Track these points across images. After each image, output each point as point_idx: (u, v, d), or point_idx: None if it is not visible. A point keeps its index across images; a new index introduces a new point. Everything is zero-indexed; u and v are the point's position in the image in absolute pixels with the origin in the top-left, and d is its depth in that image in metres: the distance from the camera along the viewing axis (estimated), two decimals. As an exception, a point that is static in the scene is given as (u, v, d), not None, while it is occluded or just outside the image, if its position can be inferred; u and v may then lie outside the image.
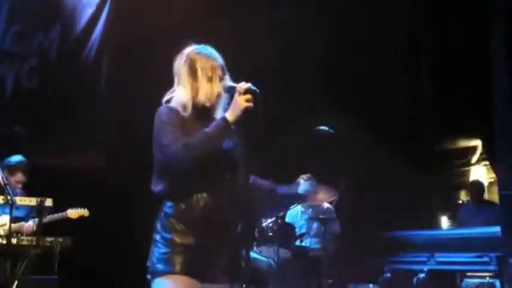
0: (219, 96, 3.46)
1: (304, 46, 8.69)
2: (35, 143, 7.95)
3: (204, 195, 3.30)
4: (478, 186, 8.78)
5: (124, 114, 8.10)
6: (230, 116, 3.32)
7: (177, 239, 3.26)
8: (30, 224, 6.66)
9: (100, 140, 8.50)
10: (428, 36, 8.92)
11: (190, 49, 3.53)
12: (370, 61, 8.75)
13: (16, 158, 6.87)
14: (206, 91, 3.44)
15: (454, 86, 9.01)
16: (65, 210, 6.98)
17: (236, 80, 3.48)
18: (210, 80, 3.45)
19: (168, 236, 3.28)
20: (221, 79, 3.48)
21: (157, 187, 3.39)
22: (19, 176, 6.82)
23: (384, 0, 8.50)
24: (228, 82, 3.47)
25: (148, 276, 3.34)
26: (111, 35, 8.68)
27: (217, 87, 3.45)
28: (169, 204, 3.34)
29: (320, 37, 8.70)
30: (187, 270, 3.24)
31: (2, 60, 8.09)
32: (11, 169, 6.76)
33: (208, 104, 3.46)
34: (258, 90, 3.34)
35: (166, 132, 3.31)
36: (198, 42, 3.57)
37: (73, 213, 6.99)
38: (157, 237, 3.32)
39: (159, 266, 3.27)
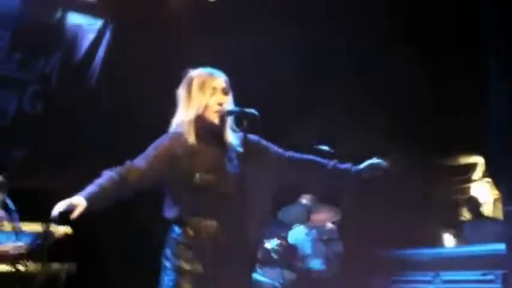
0: (221, 107, 3.42)
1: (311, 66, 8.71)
2: (36, 168, 7.97)
3: (214, 222, 3.29)
4: (474, 202, 8.79)
5: (126, 140, 8.10)
6: None
7: (186, 266, 3.26)
8: (17, 246, 6.60)
9: (103, 166, 8.50)
10: (427, 55, 8.93)
11: (191, 73, 3.54)
12: (371, 81, 8.78)
13: None
14: (211, 104, 3.42)
15: (453, 103, 9.03)
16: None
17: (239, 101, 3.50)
18: (212, 94, 3.43)
19: (177, 262, 3.28)
20: (226, 93, 3.47)
21: (168, 213, 3.39)
22: None
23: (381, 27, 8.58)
24: (230, 106, 3.46)
25: None
26: (113, 60, 8.70)
27: (223, 98, 3.44)
28: (178, 230, 3.34)
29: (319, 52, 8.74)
30: None
31: (4, 86, 8.11)
32: None
33: (216, 120, 3.43)
34: (257, 113, 3.35)
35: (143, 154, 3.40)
36: (201, 66, 3.57)
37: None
38: (167, 264, 3.32)
39: None
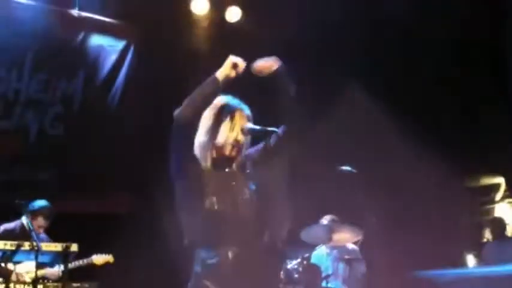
0: (237, 143, 3.47)
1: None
2: (59, 190, 7.99)
3: (234, 248, 3.29)
4: (498, 223, 8.74)
5: (148, 161, 8.10)
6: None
7: None
8: (55, 270, 6.69)
9: (125, 186, 8.51)
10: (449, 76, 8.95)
11: (217, 99, 3.56)
12: (396, 105, 8.79)
13: (39, 203, 6.91)
14: (227, 136, 3.45)
15: (475, 122, 9.02)
16: (90, 256, 7.01)
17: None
18: (232, 128, 3.47)
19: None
20: (243, 130, 3.50)
21: (185, 240, 3.39)
22: (40, 221, 6.85)
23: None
24: (249, 125, 3.49)
25: None
26: (134, 81, 8.74)
27: (239, 135, 3.47)
28: (199, 260, 3.32)
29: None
30: None
31: (27, 108, 8.15)
32: (33, 213, 6.80)
33: (226, 151, 3.47)
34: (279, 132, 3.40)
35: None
36: (226, 92, 3.60)
37: (98, 259, 7.01)
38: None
39: None
